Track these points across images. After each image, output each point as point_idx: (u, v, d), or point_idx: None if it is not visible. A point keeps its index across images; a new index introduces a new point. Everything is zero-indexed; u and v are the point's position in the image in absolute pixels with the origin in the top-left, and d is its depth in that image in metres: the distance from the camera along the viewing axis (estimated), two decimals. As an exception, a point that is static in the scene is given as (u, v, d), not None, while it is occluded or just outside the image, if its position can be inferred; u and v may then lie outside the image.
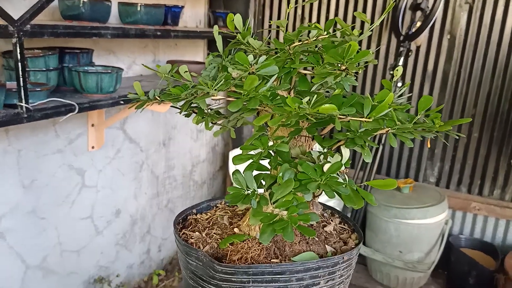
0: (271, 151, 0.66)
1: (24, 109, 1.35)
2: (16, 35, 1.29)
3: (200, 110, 0.78)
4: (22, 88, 1.33)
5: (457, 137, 0.58)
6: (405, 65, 2.54)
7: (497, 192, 2.57)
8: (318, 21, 2.80)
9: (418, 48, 2.60)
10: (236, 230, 0.74)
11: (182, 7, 2.14)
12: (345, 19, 2.73)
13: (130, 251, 2.38)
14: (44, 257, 1.90)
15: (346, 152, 0.65)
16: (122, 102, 1.70)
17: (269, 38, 0.76)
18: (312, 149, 0.72)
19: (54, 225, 1.92)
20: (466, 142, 2.60)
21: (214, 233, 0.74)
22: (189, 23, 2.57)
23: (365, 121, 0.61)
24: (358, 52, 0.63)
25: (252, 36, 0.74)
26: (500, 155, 2.52)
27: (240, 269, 0.62)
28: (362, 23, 2.68)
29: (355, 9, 2.72)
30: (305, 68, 0.71)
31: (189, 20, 2.56)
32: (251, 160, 0.64)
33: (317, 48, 0.71)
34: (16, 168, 1.72)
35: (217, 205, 0.86)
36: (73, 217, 2.01)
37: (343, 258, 0.66)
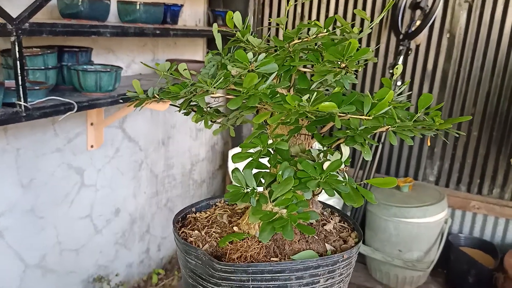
0: (270, 149, 0.66)
1: (23, 107, 1.34)
2: (14, 33, 1.28)
3: (199, 108, 0.77)
4: (20, 86, 1.33)
5: (457, 135, 0.58)
6: (404, 64, 2.54)
7: (496, 191, 2.57)
8: (318, 19, 2.79)
9: (417, 47, 2.60)
10: (235, 228, 0.74)
11: (182, 5, 2.14)
12: (344, 17, 2.73)
13: (129, 250, 2.38)
14: (43, 256, 1.90)
15: (346, 150, 0.65)
16: (121, 101, 1.70)
17: (269, 36, 0.76)
18: (311, 148, 0.72)
19: (53, 224, 1.92)
20: (466, 141, 2.60)
21: (214, 231, 0.74)
22: (188, 21, 2.56)
23: (365, 119, 0.61)
24: (358, 50, 0.62)
25: (251, 34, 0.74)
26: (499, 154, 2.52)
27: (240, 268, 0.61)
28: (362, 21, 2.68)
29: (354, 7, 2.71)
30: (304, 66, 0.70)
31: (188, 19, 2.56)
32: (250, 158, 0.64)
33: (316, 46, 0.70)
34: (14, 167, 1.72)
35: (217, 203, 0.85)
36: (72, 216, 2.00)
37: (343, 256, 0.65)
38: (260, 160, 0.65)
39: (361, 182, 0.64)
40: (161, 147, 2.49)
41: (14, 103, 1.35)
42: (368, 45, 2.71)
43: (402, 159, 2.77)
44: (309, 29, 0.70)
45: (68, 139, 1.91)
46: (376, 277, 2.59)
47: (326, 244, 0.71)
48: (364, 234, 2.68)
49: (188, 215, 0.80)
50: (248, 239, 0.69)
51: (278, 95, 0.63)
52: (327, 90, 0.74)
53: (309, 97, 0.58)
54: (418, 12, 2.48)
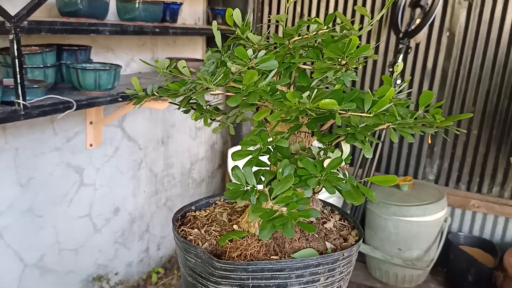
0: (270, 147, 0.66)
1: (21, 106, 1.34)
2: (13, 32, 1.28)
3: (199, 106, 0.77)
4: (19, 85, 1.32)
5: (458, 133, 0.58)
6: (404, 63, 2.53)
7: (496, 190, 2.57)
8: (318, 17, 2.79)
9: (417, 45, 2.59)
10: (235, 227, 0.73)
11: (181, 4, 2.13)
12: (344, 16, 2.72)
13: (128, 249, 2.37)
14: (41, 256, 1.89)
15: (346, 148, 0.65)
16: (120, 99, 1.69)
17: (268, 33, 0.76)
18: (311, 145, 0.72)
19: (52, 224, 1.91)
20: (465, 139, 2.59)
21: (213, 230, 0.73)
22: (187, 20, 2.56)
23: (366, 116, 0.61)
24: (358, 47, 0.62)
25: (251, 32, 0.73)
26: (499, 153, 2.52)
27: (240, 266, 0.61)
28: (362, 20, 2.67)
29: (354, 6, 2.71)
30: (304, 63, 0.70)
31: (187, 17, 2.55)
32: (250, 156, 0.64)
33: (317, 43, 0.70)
34: (13, 166, 1.71)
35: (216, 202, 0.85)
36: (71, 215, 2.00)
37: (343, 254, 0.65)
38: (260, 158, 0.65)
39: (362, 180, 0.64)
40: (161, 146, 2.48)
41: (13, 101, 1.34)
42: (367, 43, 2.71)
43: (401, 158, 2.77)
44: (308, 26, 0.70)
45: (67, 138, 1.90)
46: (375, 276, 2.59)
47: (326, 242, 0.71)
48: (363, 233, 2.67)
49: (187, 214, 0.80)
50: (248, 237, 0.68)
51: (278, 92, 0.63)
52: (327, 87, 0.74)
53: (309, 94, 0.58)
54: (418, 10, 2.48)
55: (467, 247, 2.54)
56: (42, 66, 1.53)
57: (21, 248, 1.80)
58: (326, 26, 0.69)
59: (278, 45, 0.70)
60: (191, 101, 0.76)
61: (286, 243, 0.68)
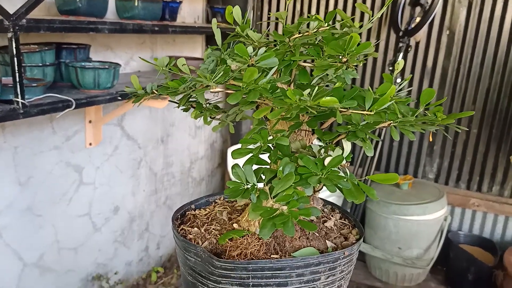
0: (270, 145, 0.65)
1: (20, 104, 1.33)
2: (11, 30, 1.27)
3: (198, 104, 0.77)
4: (18, 83, 1.31)
5: (459, 131, 0.58)
6: (404, 61, 2.52)
7: (496, 188, 2.57)
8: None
9: (417, 44, 2.59)
10: (235, 225, 0.73)
11: (180, 2, 2.13)
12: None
13: (128, 248, 2.37)
14: (41, 255, 1.89)
15: (347, 146, 0.64)
16: (119, 98, 1.69)
17: (268, 31, 0.75)
18: (312, 143, 0.71)
19: (51, 223, 1.91)
20: (465, 138, 2.59)
21: (213, 228, 0.73)
22: (187, 19, 2.55)
23: (367, 114, 0.60)
24: (359, 44, 0.62)
25: (251, 29, 0.73)
26: (499, 152, 2.52)
27: (240, 265, 0.60)
28: (361, 18, 2.67)
29: (354, 4, 2.70)
30: (305, 61, 0.69)
31: (187, 16, 2.55)
32: (250, 154, 0.63)
33: (317, 41, 0.69)
34: (12, 165, 1.70)
35: (216, 200, 0.85)
36: (71, 214, 1.99)
37: (344, 253, 0.65)
38: (260, 156, 0.64)
39: (362, 178, 0.64)
40: (160, 145, 2.48)
41: (12, 100, 1.33)
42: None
43: (401, 157, 2.76)
44: (309, 24, 0.69)
45: (66, 136, 1.90)
46: (375, 275, 2.59)
47: (327, 241, 0.71)
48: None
49: (187, 212, 0.80)
50: (248, 236, 0.68)
51: (279, 90, 0.62)
52: (327, 86, 0.73)
53: (310, 92, 0.57)
54: (418, 9, 2.47)
55: (467, 246, 2.54)
56: (41, 64, 1.52)
57: (20, 247, 1.79)
58: (326, 24, 0.68)
59: (278, 43, 0.69)
60: (190, 99, 0.75)
61: (287, 242, 0.68)
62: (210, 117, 0.77)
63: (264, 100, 0.65)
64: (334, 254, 0.64)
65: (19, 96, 1.32)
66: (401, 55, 2.42)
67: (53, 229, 1.92)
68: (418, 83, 2.63)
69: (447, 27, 2.51)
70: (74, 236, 2.04)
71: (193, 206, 0.81)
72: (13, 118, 1.33)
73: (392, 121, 0.60)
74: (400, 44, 2.43)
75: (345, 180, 0.61)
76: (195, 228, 0.73)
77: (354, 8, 2.70)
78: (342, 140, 0.65)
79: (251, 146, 0.63)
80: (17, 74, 1.30)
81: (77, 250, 2.06)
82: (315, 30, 0.68)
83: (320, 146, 0.68)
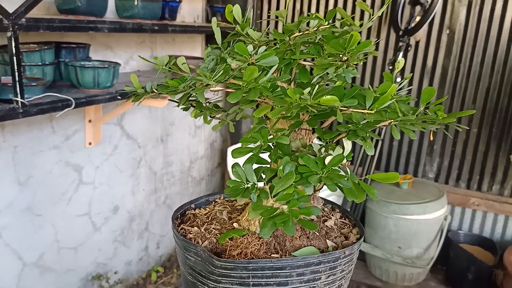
0: (271, 144, 0.65)
1: (20, 104, 1.33)
2: (11, 29, 1.27)
3: (198, 103, 0.76)
4: (17, 83, 1.31)
5: (460, 129, 0.57)
6: (404, 60, 2.52)
7: (496, 188, 2.56)
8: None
9: (417, 43, 2.59)
10: (235, 225, 0.73)
11: (180, 1, 2.12)
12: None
13: (128, 248, 2.37)
14: (41, 255, 1.89)
15: (347, 145, 0.64)
16: (119, 97, 1.68)
17: (268, 29, 0.75)
18: (312, 142, 0.71)
19: (51, 222, 1.90)
20: (465, 137, 2.59)
21: (213, 228, 0.73)
22: (186, 18, 2.55)
23: (367, 113, 0.60)
24: (359, 43, 0.61)
25: (251, 28, 0.73)
26: (499, 151, 2.52)
27: (240, 264, 0.60)
28: (361, 17, 2.66)
29: (354, 3, 2.70)
30: (305, 60, 0.69)
31: (186, 15, 2.54)
32: (250, 153, 0.63)
33: (317, 40, 0.69)
34: (11, 165, 1.70)
35: (216, 200, 0.84)
36: (70, 214, 1.99)
37: (345, 252, 0.64)
38: (261, 155, 0.64)
39: (363, 178, 0.63)
40: (160, 144, 2.48)
41: (11, 99, 1.33)
42: (367, 41, 2.70)
43: (401, 156, 2.76)
44: (308, 23, 0.69)
45: (66, 136, 1.90)
46: (375, 274, 2.59)
47: (327, 240, 0.70)
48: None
49: (187, 212, 0.79)
50: (248, 235, 0.68)
51: (279, 88, 0.62)
52: (327, 85, 0.73)
53: (310, 91, 0.57)
54: (417, 8, 2.47)
55: (467, 245, 2.54)
56: (40, 64, 1.52)
57: (20, 247, 1.79)
58: (327, 22, 0.68)
59: (278, 42, 0.69)
60: (190, 98, 0.75)
61: (287, 241, 0.68)
62: (210, 116, 0.77)
63: (264, 99, 0.65)
64: (335, 253, 0.63)
65: (19, 95, 1.32)
66: (401, 54, 2.42)
67: (53, 228, 1.92)
68: (418, 82, 2.63)
69: (447, 26, 2.51)
70: (74, 235, 2.04)
71: (193, 206, 0.81)
72: (12, 118, 1.32)
73: (393, 120, 0.60)
74: (400, 44, 2.43)
75: (345, 179, 0.60)
76: (195, 228, 0.73)
77: (353, 7, 2.70)
78: (343, 139, 0.65)
79: (251, 145, 0.63)
80: (16, 74, 1.30)
81: (77, 249, 2.06)
82: (315, 29, 0.67)
83: (320, 145, 0.68)
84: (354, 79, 2.56)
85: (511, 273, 2.20)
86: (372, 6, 2.64)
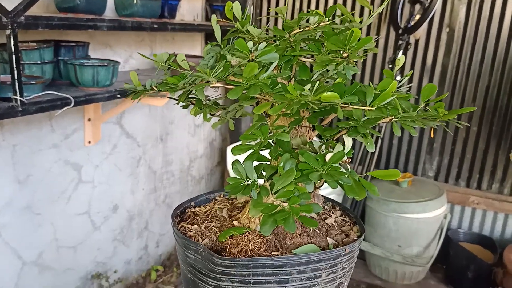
0: (271, 141, 0.65)
1: (19, 102, 1.32)
2: (9, 27, 1.26)
3: (198, 101, 0.76)
4: (16, 81, 1.31)
5: (461, 126, 0.57)
6: (404, 58, 2.52)
7: (495, 186, 2.56)
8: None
9: (417, 41, 2.58)
10: (235, 222, 0.73)
11: (179, 0, 2.12)
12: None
13: (127, 247, 2.36)
14: (40, 253, 1.88)
15: (348, 142, 0.64)
16: (118, 95, 1.68)
17: (268, 26, 0.75)
18: (313, 139, 0.71)
19: (50, 221, 1.90)
20: (465, 136, 2.59)
21: (213, 226, 0.72)
22: (186, 16, 2.54)
23: (368, 109, 0.60)
24: (359, 40, 0.61)
25: (251, 25, 0.72)
26: (498, 149, 2.52)
27: (240, 262, 0.60)
28: (361, 14, 2.66)
29: (353, 2, 2.70)
30: (305, 56, 0.69)
31: (186, 14, 2.54)
32: (251, 150, 0.63)
33: (318, 36, 0.69)
34: (11, 164, 1.70)
35: (216, 198, 0.84)
36: (70, 212, 1.99)
37: (345, 250, 0.64)
38: (261, 152, 0.64)
39: (363, 175, 0.63)
40: (159, 143, 2.47)
41: (10, 97, 1.33)
42: (367, 40, 2.69)
43: (401, 154, 2.76)
44: (308, 19, 0.69)
45: (65, 135, 1.89)
46: (375, 273, 2.59)
47: (328, 238, 0.70)
48: (363, 229, 2.67)
49: (187, 210, 0.79)
50: (249, 233, 0.67)
51: (279, 85, 0.61)
52: (327, 82, 0.73)
53: (311, 87, 0.57)
54: (417, 6, 2.47)
55: (466, 244, 2.54)
56: (39, 62, 1.51)
57: (19, 245, 1.79)
58: (327, 19, 0.68)
59: (278, 38, 0.69)
60: (190, 96, 0.75)
61: (287, 238, 0.68)
62: (210, 114, 0.77)
63: (264, 96, 0.65)
64: (335, 251, 0.63)
65: (18, 93, 1.31)
66: (400, 52, 2.41)
67: (52, 227, 1.92)
68: (418, 80, 2.63)
69: (446, 25, 2.51)
70: (73, 234, 2.03)
71: (193, 204, 0.81)
72: (11, 116, 1.32)
73: (393, 117, 0.60)
74: (400, 42, 2.43)
75: (346, 176, 0.60)
76: (195, 226, 0.73)
77: (353, 4, 2.70)
78: (343, 136, 0.64)
79: (251, 142, 0.63)
80: (15, 72, 1.30)
81: (76, 248, 2.06)
82: (315, 25, 0.67)
83: (320, 142, 0.68)
84: (353, 76, 2.56)
85: (510, 271, 2.20)
86: (372, 4, 2.64)
